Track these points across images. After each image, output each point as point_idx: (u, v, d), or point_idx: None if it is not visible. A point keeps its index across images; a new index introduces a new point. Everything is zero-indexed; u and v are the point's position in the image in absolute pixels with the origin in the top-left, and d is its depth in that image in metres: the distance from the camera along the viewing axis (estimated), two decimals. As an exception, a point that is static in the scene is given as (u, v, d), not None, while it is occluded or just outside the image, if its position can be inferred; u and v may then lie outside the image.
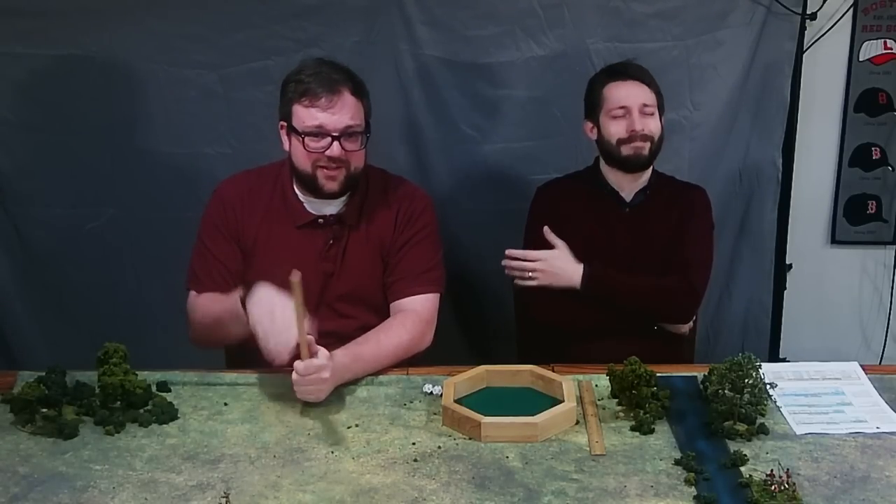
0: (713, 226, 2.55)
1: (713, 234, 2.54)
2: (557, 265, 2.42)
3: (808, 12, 2.97)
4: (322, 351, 1.98)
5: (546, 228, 2.45)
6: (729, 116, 3.04)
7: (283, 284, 2.24)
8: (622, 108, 2.41)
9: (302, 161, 2.20)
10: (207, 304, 2.22)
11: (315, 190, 2.23)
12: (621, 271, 2.44)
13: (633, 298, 2.42)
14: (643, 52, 2.90)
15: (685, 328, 2.53)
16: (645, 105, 2.41)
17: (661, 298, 2.43)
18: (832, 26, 3.05)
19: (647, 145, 2.42)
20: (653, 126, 2.42)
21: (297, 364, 1.96)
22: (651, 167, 2.50)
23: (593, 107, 2.47)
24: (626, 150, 2.42)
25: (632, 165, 2.45)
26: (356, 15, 2.88)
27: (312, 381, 1.97)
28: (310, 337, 1.95)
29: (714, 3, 2.93)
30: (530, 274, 2.43)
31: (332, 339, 2.13)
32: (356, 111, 2.18)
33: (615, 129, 2.42)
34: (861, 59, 3.11)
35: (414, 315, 2.25)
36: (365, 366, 2.13)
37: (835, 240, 3.29)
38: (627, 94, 2.41)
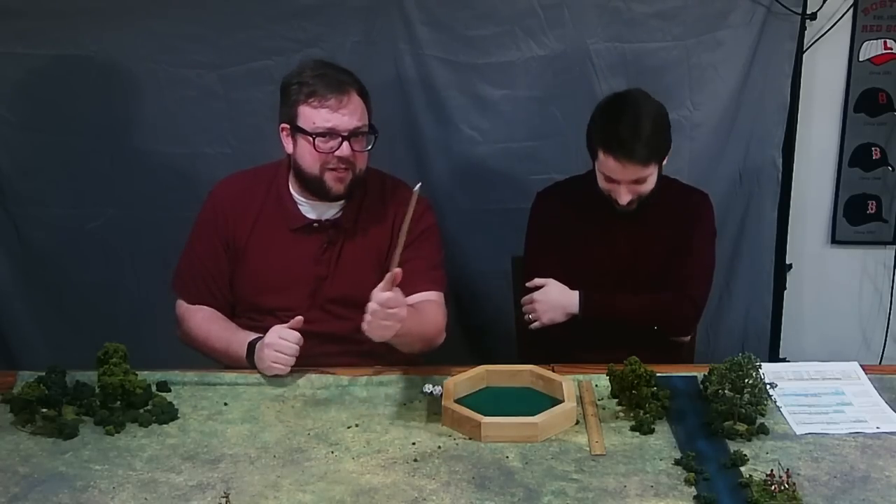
0: (715, 233, 2.54)
1: (715, 242, 2.52)
2: (552, 298, 2.43)
3: (808, 12, 2.97)
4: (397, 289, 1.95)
5: (535, 281, 2.45)
6: (729, 116, 3.03)
7: (276, 286, 2.25)
8: (612, 179, 2.33)
9: (310, 163, 2.19)
10: (202, 331, 2.25)
11: (321, 192, 2.22)
12: (617, 285, 2.43)
13: (631, 318, 2.41)
14: (643, 52, 2.91)
15: (686, 338, 2.52)
16: (636, 181, 2.32)
17: (661, 316, 2.42)
18: (832, 26, 3.05)
19: (634, 203, 2.36)
20: (643, 189, 2.34)
21: (379, 294, 1.92)
22: None
23: (590, 150, 2.38)
24: (614, 202, 2.38)
25: (620, 214, 2.41)
26: (356, 15, 2.88)
27: (391, 315, 1.93)
28: (398, 270, 1.92)
29: (714, 3, 2.93)
30: (529, 316, 2.45)
31: (325, 340, 2.13)
32: (363, 112, 2.19)
33: (605, 186, 2.37)
34: (861, 59, 3.11)
35: (434, 305, 2.23)
36: (412, 321, 2.06)
37: (835, 240, 3.29)
38: (617, 171, 2.30)
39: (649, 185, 2.36)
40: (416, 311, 2.12)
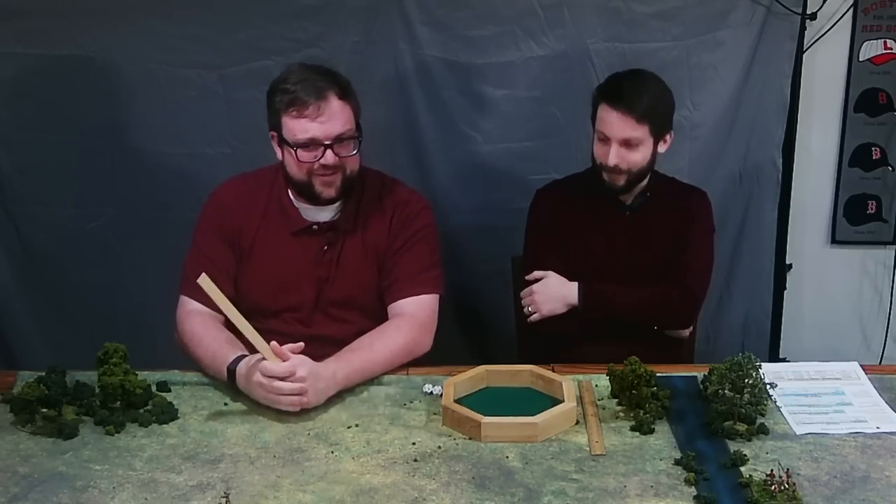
0: (714, 229, 2.54)
1: (714, 238, 2.53)
2: (552, 290, 2.43)
3: (808, 12, 2.97)
4: (292, 356, 1.96)
5: (535, 274, 2.45)
6: (729, 116, 3.04)
7: (278, 290, 2.25)
8: (605, 135, 2.35)
9: (296, 171, 2.19)
10: (195, 335, 2.17)
11: (312, 197, 2.22)
12: (616, 283, 2.43)
13: (631, 309, 2.41)
14: (643, 52, 2.91)
15: (685, 332, 2.52)
16: (627, 140, 2.32)
17: (660, 307, 2.43)
18: (832, 26, 3.05)
19: (623, 177, 2.37)
20: (633, 159, 2.34)
21: (263, 365, 1.95)
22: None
23: (592, 115, 2.41)
24: (604, 174, 2.39)
25: (608, 190, 2.43)
26: (356, 15, 2.88)
27: (294, 388, 1.94)
28: (273, 344, 1.95)
29: (714, 3, 2.93)
30: (529, 308, 2.45)
31: (327, 342, 2.13)
32: (345, 116, 2.16)
33: (597, 151, 2.39)
34: (861, 59, 3.11)
35: (410, 318, 2.22)
36: (357, 373, 2.08)
37: (835, 240, 3.29)
38: (611, 124, 2.32)
39: (640, 156, 2.35)
40: (362, 347, 2.12)
